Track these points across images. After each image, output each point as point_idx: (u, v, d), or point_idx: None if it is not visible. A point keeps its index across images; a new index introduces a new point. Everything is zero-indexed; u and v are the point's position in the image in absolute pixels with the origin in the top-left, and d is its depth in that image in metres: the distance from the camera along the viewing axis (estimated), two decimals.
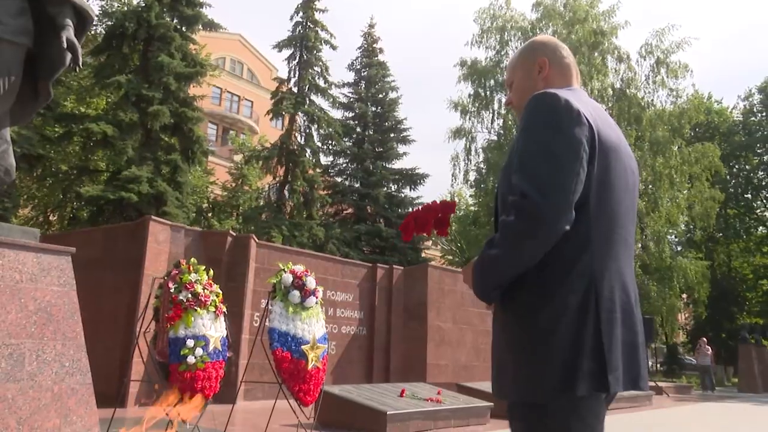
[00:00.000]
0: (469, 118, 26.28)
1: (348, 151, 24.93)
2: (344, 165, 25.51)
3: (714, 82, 66.75)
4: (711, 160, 23.99)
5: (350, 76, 27.38)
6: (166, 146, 16.45)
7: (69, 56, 3.70)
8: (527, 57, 1.83)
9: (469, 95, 26.33)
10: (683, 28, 73.66)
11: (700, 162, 23.65)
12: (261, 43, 70.69)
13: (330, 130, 22.12)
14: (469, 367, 13.55)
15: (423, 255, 25.91)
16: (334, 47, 22.90)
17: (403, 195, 25.46)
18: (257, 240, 10.18)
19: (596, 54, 23.31)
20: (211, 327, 5.12)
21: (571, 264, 1.47)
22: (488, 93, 26.08)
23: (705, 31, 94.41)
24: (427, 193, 73.18)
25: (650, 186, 23.02)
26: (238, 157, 28.47)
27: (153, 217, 8.90)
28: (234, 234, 9.95)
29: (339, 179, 25.21)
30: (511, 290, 1.52)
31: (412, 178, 25.52)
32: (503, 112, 26.12)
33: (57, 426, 4.10)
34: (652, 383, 16.05)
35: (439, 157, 46.56)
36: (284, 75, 23.27)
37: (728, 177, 31.13)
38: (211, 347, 5.04)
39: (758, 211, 35.22)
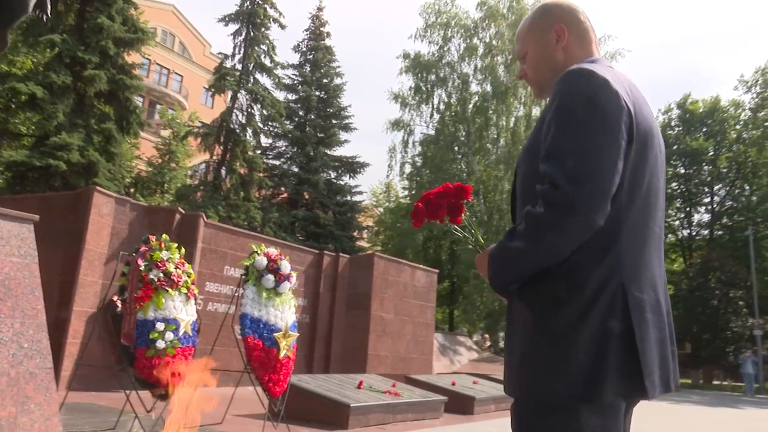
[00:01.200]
0: (409, 111, 26.50)
1: (289, 135, 24.30)
2: (284, 148, 24.89)
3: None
4: None
5: (295, 58, 26.77)
6: (100, 114, 15.42)
7: (33, 1, 3.25)
8: (542, 24, 1.60)
9: (410, 88, 26.58)
10: (618, 39, 76.98)
11: None
12: (196, 17, 68.07)
13: (273, 111, 21.38)
14: (408, 359, 13.51)
15: (357, 244, 25.76)
16: (282, 26, 22.15)
17: (342, 182, 25.15)
18: (205, 219, 9.66)
19: None
20: (183, 310, 4.74)
21: (599, 259, 1.33)
22: (429, 87, 26.32)
23: (628, 43, 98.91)
24: (365, 183, 72.95)
25: None
26: (165, 132, 27.24)
27: (98, 187, 8.23)
28: (183, 211, 9.38)
29: (277, 162, 24.55)
30: (531, 282, 1.37)
31: (353, 167, 25.26)
32: (442, 108, 26.34)
33: (12, 415, 3.64)
34: None
35: (378, 147, 46.55)
36: (228, 50, 22.40)
37: None
38: (181, 332, 4.65)
39: (669, 219, 37.35)
